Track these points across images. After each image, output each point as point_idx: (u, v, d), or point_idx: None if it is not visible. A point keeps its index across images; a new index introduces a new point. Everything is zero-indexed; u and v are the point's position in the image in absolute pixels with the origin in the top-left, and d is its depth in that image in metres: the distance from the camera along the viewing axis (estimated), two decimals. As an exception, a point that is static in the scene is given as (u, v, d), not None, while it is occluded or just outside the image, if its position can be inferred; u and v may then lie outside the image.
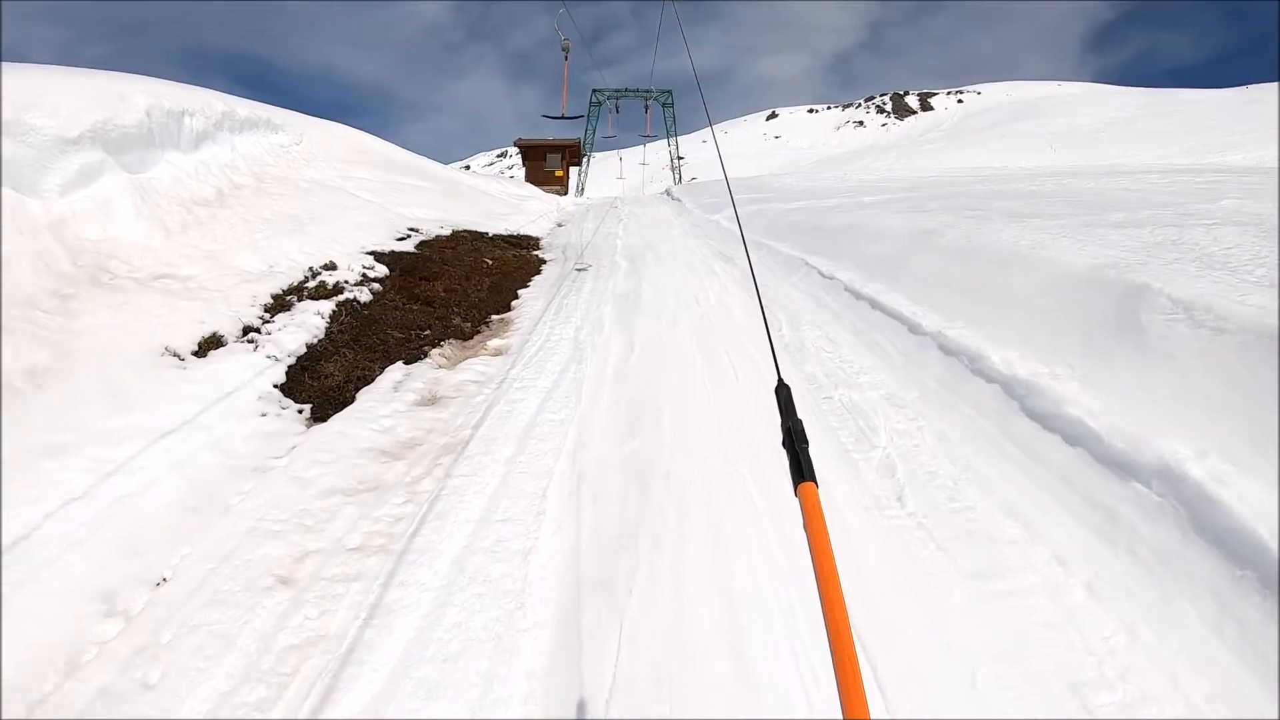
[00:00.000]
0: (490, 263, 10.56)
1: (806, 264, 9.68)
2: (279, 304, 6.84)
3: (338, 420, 4.96)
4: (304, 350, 6.06)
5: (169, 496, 3.88)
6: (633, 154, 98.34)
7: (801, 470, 1.09)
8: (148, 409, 4.60)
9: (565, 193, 36.49)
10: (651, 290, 9.19)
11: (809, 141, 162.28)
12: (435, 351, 6.61)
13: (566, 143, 38.69)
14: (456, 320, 7.71)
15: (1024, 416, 4.36)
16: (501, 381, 5.71)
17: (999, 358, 4.90)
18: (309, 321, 6.58)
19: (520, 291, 9.33)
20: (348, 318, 7.02)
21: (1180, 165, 26.54)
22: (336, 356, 6.14)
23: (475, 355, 6.57)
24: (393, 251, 9.53)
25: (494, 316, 8.12)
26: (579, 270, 11.76)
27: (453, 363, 6.38)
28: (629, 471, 4.10)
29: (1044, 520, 3.47)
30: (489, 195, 19.24)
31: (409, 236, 10.66)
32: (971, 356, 5.12)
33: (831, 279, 8.59)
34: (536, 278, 10.45)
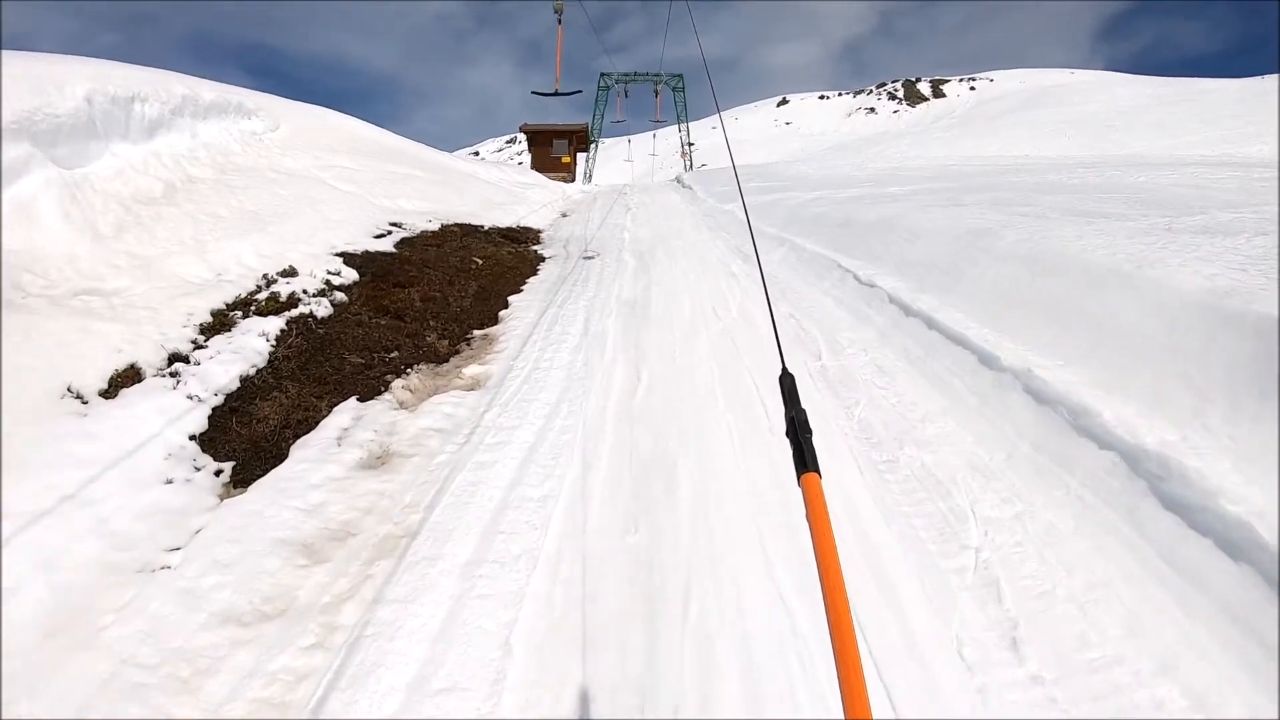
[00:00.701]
0: (480, 262, 9.44)
1: (839, 266, 8.54)
2: (219, 323, 5.76)
3: (258, 490, 3.87)
4: (237, 385, 4.98)
5: (26, 615, 2.84)
6: (642, 141, 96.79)
7: (805, 460, 1.08)
8: (23, 481, 3.54)
9: (572, 180, 35.31)
10: (662, 296, 8.07)
11: (820, 128, 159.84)
12: (399, 383, 5.51)
13: (574, 128, 37.42)
14: (431, 338, 6.62)
15: (1161, 507, 3.23)
16: (472, 431, 4.59)
17: (1113, 416, 3.76)
18: (249, 346, 5.49)
19: (512, 298, 8.20)
20: (299, 338, 5.93)
21: (1213, 157, 25.27)
22: (277, 392, 5.06)
23: (446, 388, 5.46)
24: (366, 252, 8.42)
25: (476, 332, 7.01)
26: (586, 259, 10.73)
27: (417, 399, 5.27)
28: (633, 587, 3.00)
29: (1220, 689, 2.38)
30: (489, 184, 18.10)
31: (389, 233, 9.54)
32: (1074, 410, 3.98)
33: (872, 286, 7.44)
34: (532, 280, 9.32)
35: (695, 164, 42.62)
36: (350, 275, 7.59)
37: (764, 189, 19.72)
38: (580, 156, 40.43)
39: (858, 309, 7.15)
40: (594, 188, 32.35)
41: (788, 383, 1.32)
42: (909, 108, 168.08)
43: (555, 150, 36.71)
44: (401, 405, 5.11)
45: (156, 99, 9.51)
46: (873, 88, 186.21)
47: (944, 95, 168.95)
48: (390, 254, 8.65)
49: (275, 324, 6.04)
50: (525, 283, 9.08)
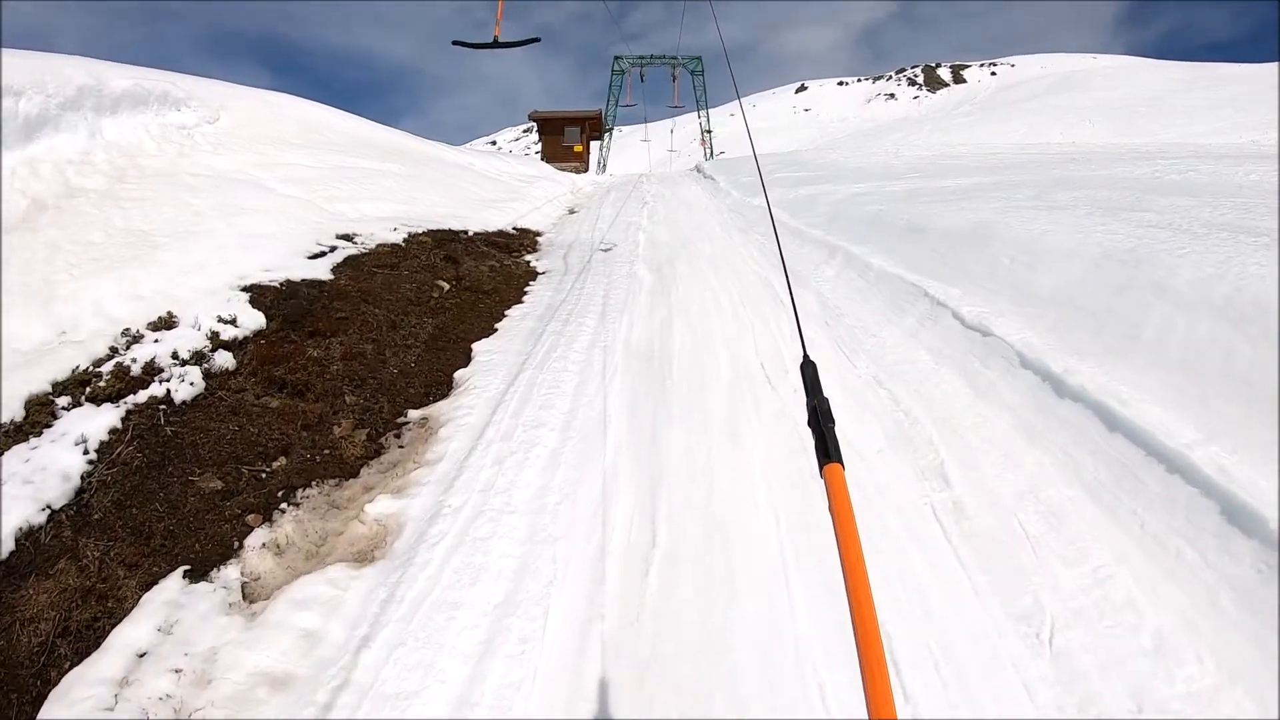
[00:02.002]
0: (446, 288, 7.24)
1: (925, 295, 6.28)
2: (29, 421, 3.65)
3: None
4: (11, 547, 2.86)
5: None
6: (659, 128, 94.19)
7: (828, 450, 1.04)
8: None
9: (585, 169, 33.06)
10: (689, 342, 5.83)
11: (839, 115, 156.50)
12: (262, 533, 3.35)
13: (586, 115, 35.06)
14: (341, 428, 4.45)
15: None
16: (337, 689, 2.39)
17: None
18: (55, 465, 3.40)
19: (479, 347, 5.97)
20: (134, 445, 3.78)
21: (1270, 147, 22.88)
22: (67, 558, 2.95)
23: (330, 555, 3.26)
24: (287, 283, 6.23)
25: (414, 414, 4.80)
26: (604, 250, 9.23)
27: (281, 575, 3.08)
28: None
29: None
30: (484, 177, 15.89)
31: (331, 251, 7.35)
32: None
33: (986, 335, 5.19)
34: (514, 312, 7.10)
35: (714, 152, 40.17)
36: (251, 322, 5.42)
37: (796, 180, 17.40)
38: (594, 145, 38.12)
39: (973, 372, 4.88)
40: (608, 178, 30.09)
41: (810, 371, 1.27)
42: (929, 94, 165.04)
43: (567, 139, 34.38)
44: (249, 597, 2.92)
45: (38, 92, 7.40)
46: (892, 73, 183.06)
47: (965, 81, 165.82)
48: (321, 283, 6.46)
49: (107, 419, 3.91)
50: (503, 317, 6.86)
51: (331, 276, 6.79)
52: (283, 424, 4.33)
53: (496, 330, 6.37)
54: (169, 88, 10.17)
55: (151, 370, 4.53)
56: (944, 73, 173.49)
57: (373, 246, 7.99)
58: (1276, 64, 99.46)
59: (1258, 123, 60.27)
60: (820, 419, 1.10)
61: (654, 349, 5.56)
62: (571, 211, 16.21)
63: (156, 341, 4.91)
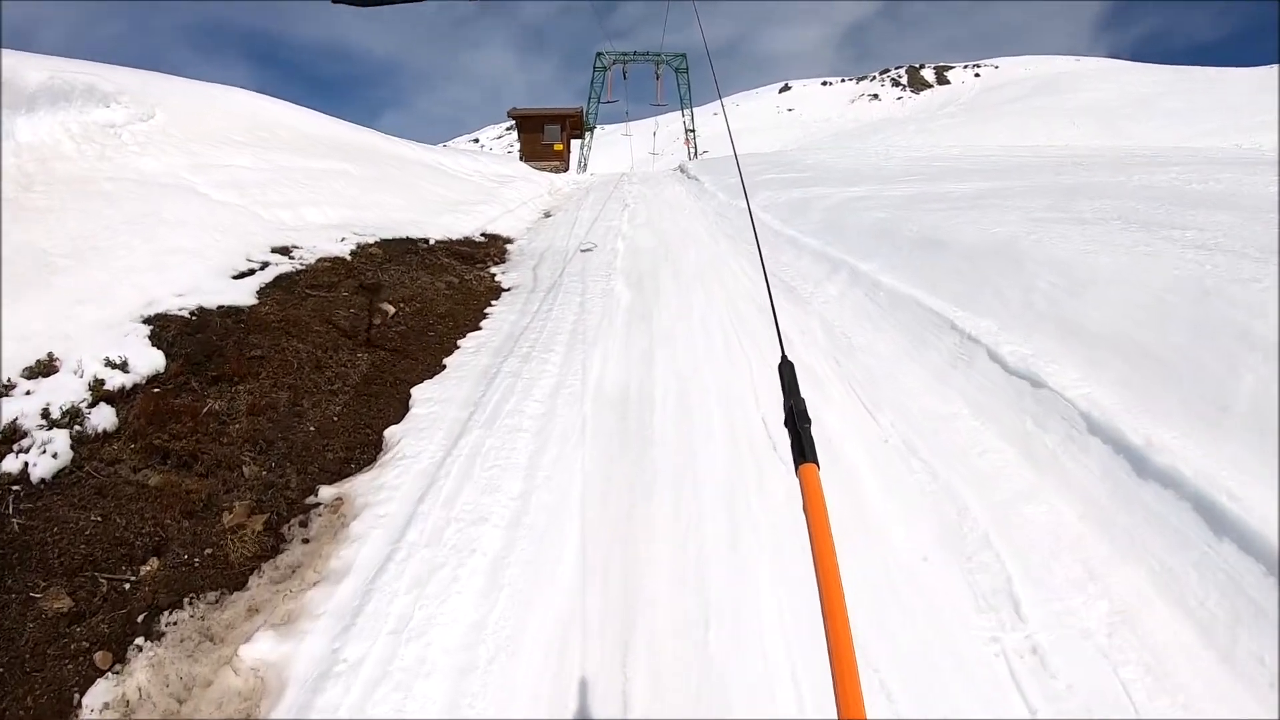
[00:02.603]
0: (392, 312, 6.23)
1: (952, 327, 5.36)
2: None
3: None
4: None
5: None
6: (642, 127, 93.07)
7: (803, 450, 1.05)
8: None
9: (565, 169, 32.00)
10: (672, 385, 4.83)
11: (823, 115, 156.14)
12: (105, 686, 2.41)
13: (567, 113, 33.91)
14: (234, 514, 3.47)
15: None
16: None
17: None
18: None
19: (420, 392, 4.93)
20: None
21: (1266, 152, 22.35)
22: None
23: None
24: (199, 311, 5.21)
25: (327, 491, 3.78)
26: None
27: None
28: None
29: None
30: (455, 178, 14.84)
31: (261, 268, 6.34)
32: None
33: (1037, 385, 4.27)
34: (468, 342, 6.07)
35: (698, 151, 39.19)
36: (146, 365, 4.41)
37: (785, 182, 16.48)
38: (574, 144, 37.04)
39: (1026, 436, 3.95)
40: (589, 178, 29.06)
41: (787, 372, 1.25)
42: (913, 94, 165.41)
43: (546, 137, 33.23)
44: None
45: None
46: (876, 74, 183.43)
47: (948, 82, 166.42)
48: (239, 311, 5.42)
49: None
50: (455, 349, 5.84)
51: (255, 301, 5.76)
52: (160, 509, 3.33)
53: (445, 368, 5.34)
54: (95, 81, 9.08)
55: (11, 437, 3.51)
56: (928, 74, 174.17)
57: (311, 262, 6.96)
58: (1265, 68, 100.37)
59: (1244, 125, 60.64)
60: (796, 419, 1.11)
61: (631, 397, 4.56)
62: (547, 215, 15.19)
63: (29, 394, 3.91)
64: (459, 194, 13.11)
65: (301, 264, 6.85)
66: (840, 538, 1.87)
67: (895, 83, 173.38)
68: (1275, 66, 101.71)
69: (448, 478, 3.60)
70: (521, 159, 31.18)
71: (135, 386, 4.35)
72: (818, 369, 5.12)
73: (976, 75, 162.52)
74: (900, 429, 4.19)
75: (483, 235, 10.90)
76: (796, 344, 5.65)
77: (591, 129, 39.25)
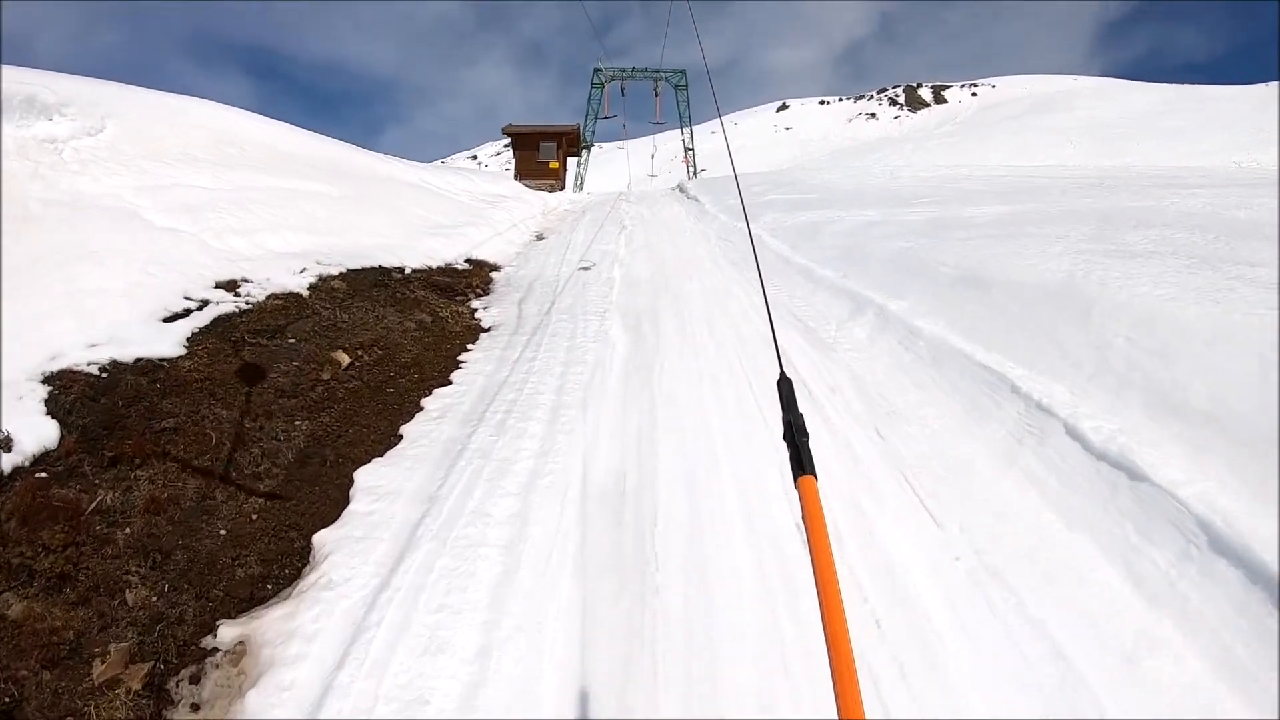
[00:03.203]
0: (346, 362, 5.29)
1: (1017, 392, 4.45)
2: None
3: None
4: None
5: None
6: (640, 146, 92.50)
7: (802, 463, 1.07)
8: None
9: (561, 187, 31.19)
10: (678, 469, 3.88)
11: (820, 133, 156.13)
12: None
13: (563, 130, 33.09)
14: (108, 662, 2.58)
15: None
16: None
17: None
18: None
19: (364, 477, 3.94)
20: None
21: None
22: None
23: None
24: (111, 367, 4.28)
25: (227, 633, 2.79)
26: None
27: None
28: None
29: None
30: (442, 198, 13.93)
31: (199, 308, 5.42)
32: None
33: (1141, 481, 3.34)
34: (433, 402, 5.08)
35: (697, 170, 38.41)
36: (33, 440, 3.49)
37: (791, 204, 15.63)
38: (571, 162, 36.22)
39: (1131, 552, 3.02)
40: (585, 197, 28.23)
41: (786, 388, 1.29)
42: (910, 113, 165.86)
43: (542, 154, 32.39)
44: None
45: None
46: (873, 93, 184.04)
47: (945, 101, 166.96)
48: (159, 366, 4.49)
49: None
50: (416, 412, 4.86)
51: (181, 353, 4.82)
52: (16, 654, 2.41)
53: (400, 439, 4.38)
54: (36, 91, 8.18)
55: None
56: (925, 93, 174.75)
57: (260, 299, 6.02)
58: (1256, 86, 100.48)
59: (1241, 143, 60.61)
60: (795, 433, 1.13)
61: (627, 497, 3.58)
62: (539, 238, 14.29)
63: None
64: (445, 215, 12.20)
65: (248, 303, 5.92)
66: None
67: (893, 102, 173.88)
68: (1266, 85, 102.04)
69: (380, 625, 2.64)
70: (516, 177, 30.39)
71: (15, 471, 3.41)
72: (856, 443, 4.18)
73: (974, 94, 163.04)
74: (972, 539, 3.25)
75: (467, 262, 9.99)
76: (825, 406, 4.71)
77: (589, 147, 38.48)
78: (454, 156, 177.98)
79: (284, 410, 4.44)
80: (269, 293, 6.29)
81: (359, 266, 7.72)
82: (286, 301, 6.16)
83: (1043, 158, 67.49)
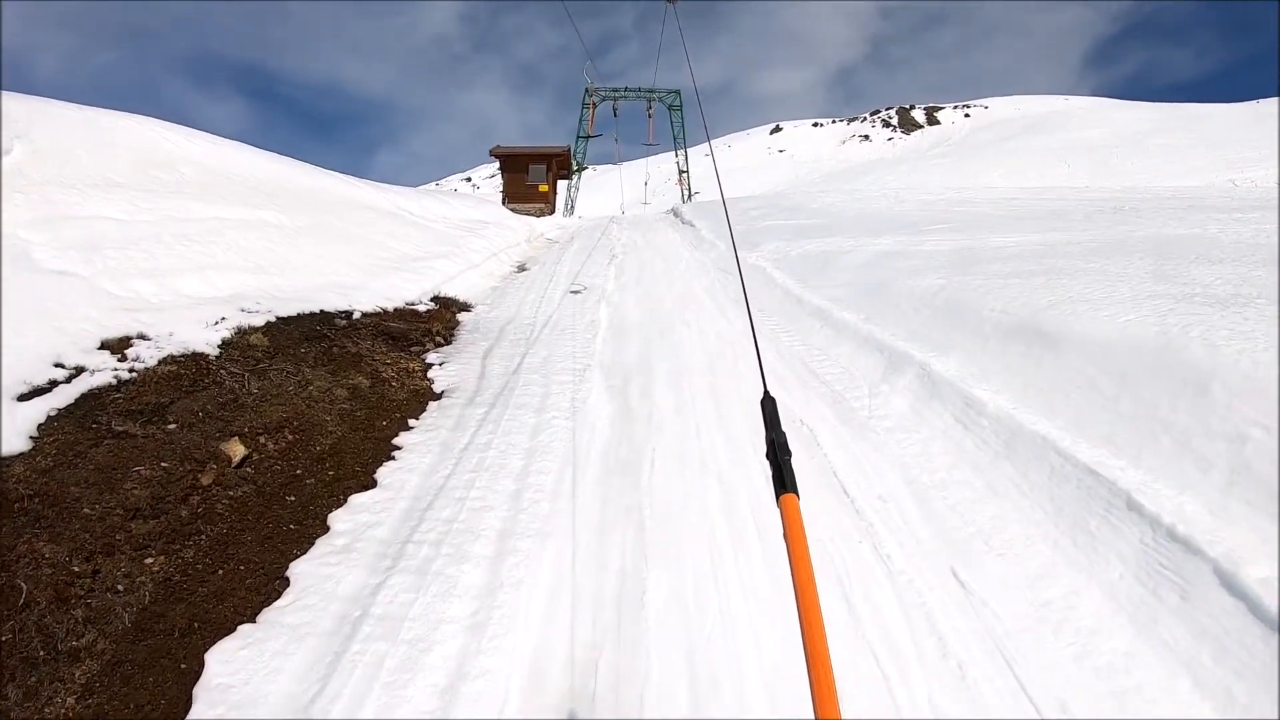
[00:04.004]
0: (237, 458, 4.01)
1: (1141, 515, 3.20)
2: None
3: None
4: None
5: None
6: (634, 170, 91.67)
7: (784, 482, 1.10)
8: None
9: (551, 211, 30.05)
10: (680, 677, 2.65)
11: (814, 155, 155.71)
12: None
13: (553, 152, 31.92)
14: None
15: None
16: None
17: None
18: None
19: (216, 665, 2.66)
20: None
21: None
22: None
23: None
24: None
25: None
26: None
27: None
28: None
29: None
30: (415, 226, 12.70)
31: (69, 378, 4.20)
32: None
33: None
34: (346, 517, 3.76)
35: (691, 193, 37.31)
36: None
37: (794, 230, 14.46)
38: (561, 185, 35.07)
39: None
40: (575, 221, 27.03)
41: (769, 406, 1.32)
42: (903, 135, 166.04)
43: (531, 177, 31.18)
44: None
45: None
46: (866, 115, 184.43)
47: (938, 122, 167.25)
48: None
49: None
50: (318, 535, 3.55)
51: (24, 447, 3.55)
52: None
53: (285, 588, 3.06)
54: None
55: None
56: (918, 114, 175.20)
57: (150, 365, 4.76)
58: (1243, 104, 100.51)
59: (1231, 160, 60.26)
60: (778, 451, 1.15)
61: (598, 694, 2.33)
62: (521, 269, 13.06)
63: None
64: (415, 246, 10.96)
65: (132, 370, 4.65)
66: None
67: (886, 123, 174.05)
68: (1258, 102, 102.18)
69: None
70: (505, 201, 29.25)
71: None
72: (934, 603, 2.91)
73: (966, 115, 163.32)
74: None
75: (433, 300, 8.74)
76: (879, 529, 3.44)
77: (580, 169, 37.39)
78: (448, 179, 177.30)
79: (134, 541, 3.16)
80: (165, 354, 5.02)
81: (294, 313, 6.47)
82: (183, 366, 4.89)
83: (1036, 178, 66.89)
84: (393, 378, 5.69)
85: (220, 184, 9.31)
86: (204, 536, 3.36)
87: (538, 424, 4.75)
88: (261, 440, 4.27)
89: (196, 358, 5.09)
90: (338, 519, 3.60)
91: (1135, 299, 5.35)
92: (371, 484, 4.00)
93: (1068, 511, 3.47)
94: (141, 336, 5.19)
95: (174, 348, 5.15)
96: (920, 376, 5.22)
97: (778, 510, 1.04)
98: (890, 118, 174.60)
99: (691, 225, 19.86)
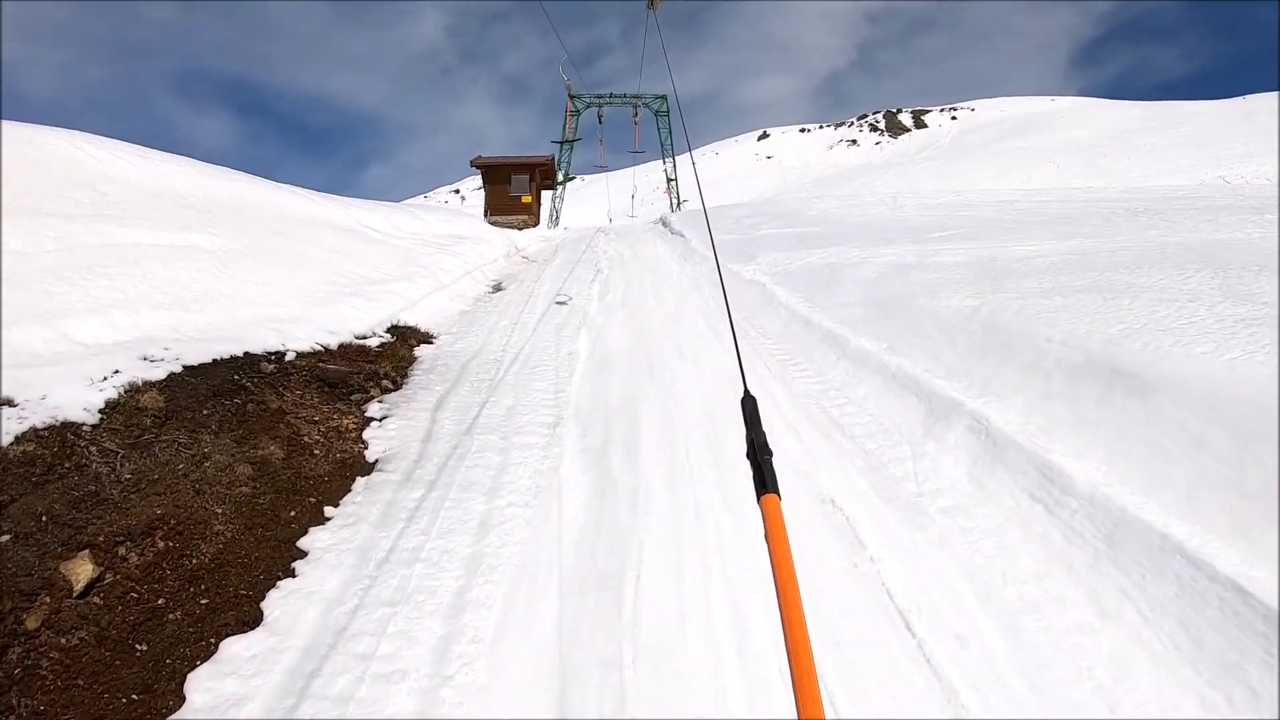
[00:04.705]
0: (82, 584, 2.93)
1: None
2: None
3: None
4: None
5: None
6: (621, 179, 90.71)
7: (765, 481, 1.09)
8: None
9: (535, 223, 28.96)
10: None
11: (802, 161, 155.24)
12: None
13: (536, 161, 30.75)
14: None
15: None
16: None
17: None
18: None
19: None
20: None
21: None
22: None
23: None
24: None
25: None
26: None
27: None
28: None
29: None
30: (378, 243, 11.61)
31: None
32: None
33: None
34: (214, 670, 2.71)
35: (680, 201, 36.28)
36: None
37: (792, 240, 13.45)
38: (546, 195, 33.97)
39: None
40: (560, 233, 25.97)
41: (749, 406, 1.31)
42: (891, 139, 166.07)
43: (514, 188, 30.01)
44: None
45: None
46: (853, 119, 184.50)
47: (926, 125, 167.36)
48: None
49: None
50: (169, 712, 2.50)
51: None
52: None
53: None
54: None
55: None
56: (905, 118, 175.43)
57: (4, 443, 3.67)
58: (1229, 100, 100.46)
59: (1220, 158, 60.22)
60: (758, 451, 1.15)
61: None
62: (497, 288, 11.99)
63: None
64: (375, 267, 9.88)
65: (-38, 450, 3.57)
66: None
67: (873, 127, 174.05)
68: (1244, 98, 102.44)
69: None
70: (487, 213, 28.19)
71: None
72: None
73: (953, 118, 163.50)
74: None
75: (389, 331, 7.67)
76: (960, 688, 2.40)
77: (567, 179, 36.34)
78: (436, 190, 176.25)
79: None
80: (27, 427, 3.94)
81: (210, 359, 5.39)
82: (44, 445, 3.81)
83: (1024, 179, 66.50)
84: (317, 442, 4.61)
85: (146, 204, 8.21)
86: (13, 718, 2.29)
87: (487, 516, 3.68)
88: (121, 552, 3.19)
89: (65, 430, 4.01)
90: (197, 685, 2.53)
91: (1222, 326, 4.36)
92: (256, 619, 2.93)
93: (1213, 652, 2.44)
94: (8, 403, 4.12)
95: (41, 417, 4.07)
96: (974, 430, 4.18)
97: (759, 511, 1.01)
98: (877, 122, 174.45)
99: (681, 236, 18.86)
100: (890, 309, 6.86)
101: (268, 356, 5.88)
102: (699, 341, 7.60)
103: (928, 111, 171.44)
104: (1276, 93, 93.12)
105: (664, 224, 23.80)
